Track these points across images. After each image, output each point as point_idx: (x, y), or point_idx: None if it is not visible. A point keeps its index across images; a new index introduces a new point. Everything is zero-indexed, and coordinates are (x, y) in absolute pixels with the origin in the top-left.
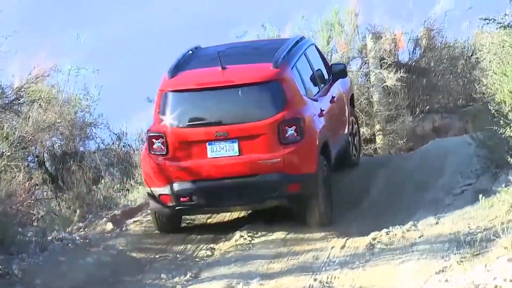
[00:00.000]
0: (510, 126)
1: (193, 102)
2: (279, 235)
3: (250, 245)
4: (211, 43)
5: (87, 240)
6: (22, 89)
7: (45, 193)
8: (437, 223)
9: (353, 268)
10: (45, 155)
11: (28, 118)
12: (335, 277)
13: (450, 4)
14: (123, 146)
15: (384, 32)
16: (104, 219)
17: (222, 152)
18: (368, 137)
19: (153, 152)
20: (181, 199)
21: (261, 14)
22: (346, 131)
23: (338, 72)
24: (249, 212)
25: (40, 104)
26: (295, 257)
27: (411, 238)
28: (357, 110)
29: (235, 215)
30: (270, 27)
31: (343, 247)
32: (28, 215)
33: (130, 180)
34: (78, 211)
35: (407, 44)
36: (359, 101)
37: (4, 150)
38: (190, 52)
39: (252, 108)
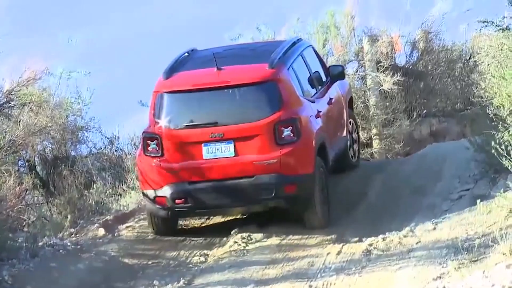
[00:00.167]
0: (509, 130)
1: (188, 103)
2: (274, 240)
3: (245, 251)
4: (208, 45)
5: (79, 246)
6: (13, 92)
7: (36, 198)
8: (434, 228)
9: (349, 274)
10: (36, 159)
11: (19, 121)
12: (331, 284)
13: (447, 6)
14: (115, 150)
15: (381, 35)
16: (96, 224)
17: (218, 153)
18: (364, 141)
19: (148, 154)
20: (177, 201)
21: (257, 16)
22: (344, 133)
23: (336, 74)
24: (243, 217)
25: (31, 108)
26: (290, 263)
27: (408, 244)
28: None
29: (229, 220)
30: (265, 30)
31: (339, 253)
32: (18, 221)
33: (122, 185)
34: (69, 216)
35: (404, 47)
36: (355, 105)
37: None
38: (186, 54)
39: (248, 109)
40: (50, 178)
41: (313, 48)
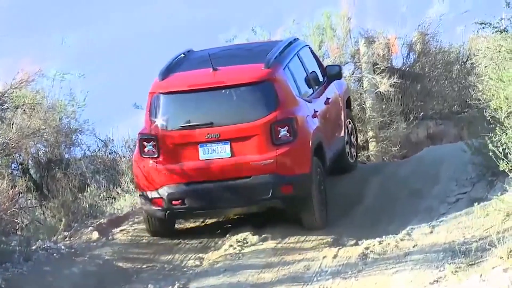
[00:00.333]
0: (506, 133)
1: (184, 103)
2: (269, 244)
3: (240, 254)
4: (207, 46)
5: (73, 250)
6: (6, 95)
7: (29, 201)
8: (431, 232)
9: (345, 278)
10: (30, 162)
11: (12, 124)
12: None
13: (444, 8)
14: (110, 153)
15: (377, 37)
16: (90, 228)
17: (214, 154)
18: (361, 144)
19: (144, 155)
20: (174, 202)
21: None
22: (342, 133)
23: (333, 74)
24: (238, 220)
25: (24, 110)
26: (286, 267)
27: (404, 248)
28: None
29: (224, 223)
30: (261, 31)
31: (335, 256)
32: (11, 224)
33: (116, 188)
34: (63, 219)
35: (401, 49)
36: (351, 107)
37: None
38: (182, 55)
39: (244, 109)
40: (43, 181)
41: (309, 48)
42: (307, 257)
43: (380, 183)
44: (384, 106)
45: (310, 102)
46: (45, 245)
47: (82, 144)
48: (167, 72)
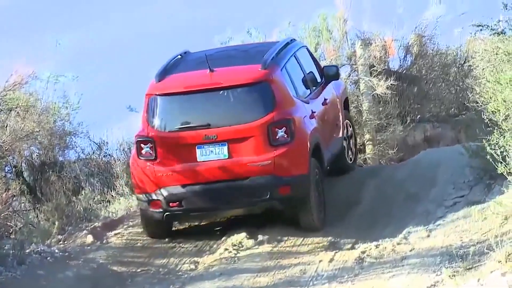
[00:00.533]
0: (504, 136)
1: (181, 105)
2: (265, 248)
3: (235, 258)
4: (205, 47)
5: (67, 253)
6: None
7: (23, 204)
8: (428, 236)
9: (341, 282)
10: (23, 165)
11: (6, 127)
12: None
13: (441, 10)
14: (104, 155)
15: (374, 39)
16: (84, 231)
17: (212, 155)
18: (357, 146)
19: (142, 158)
20: (171, 204)
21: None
22: (340, 134)
23: (330, 74)
24: (234, 223)
25: (18, 113)
26: (282, 271)
27: (401, 252)
28: None
29: (220, 226)
30: (256, 33)
31: (331, 260)
32: (5, 227)
33: (111, 191)
34: (57, 223)
35: (398, 51)
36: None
37: None
38: (179, 56)
39: (241, 110)
40: (37, 184)
41: (307, 48)
42: (303, 261)
43: (376, 186)
44: (381, 109)
45: (308, 103)
46: (39, 249)
47: (76, 147)
48: (163, 73)
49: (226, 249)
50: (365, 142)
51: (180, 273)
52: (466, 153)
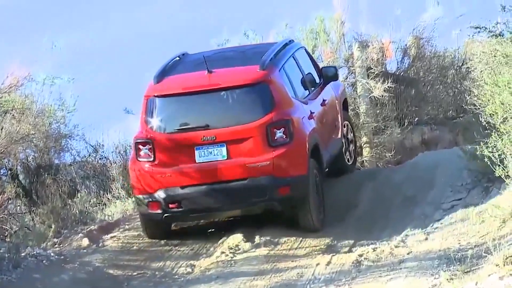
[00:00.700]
0: (502, 139)
1: (180, 106)
2: (262, 251)
3: (232, 261)
4: (202, 49)
5: (62, 257)
6: None
7: (18, 207)
8: (426, 239)
9: (339, 285)
10: (19, 168)
11: (1, 129)
12: None
13: (439, 12)
14: (100, 158)
15: (371, 41)
16: (80, 234)
17: (210, 156)
18: (357, 147)
19: (140, 159)
20: (170, 205)
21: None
22: (339, 135)
23: (329, 75)
24: (230, 226)
25: (13, 115)
26: (279, 274)
27: (399, 255)
28: None
29: (216, 229)
30: (253, 35)
31: (328, 263)
32: (0, 230)
33: (107, 194)
34: (53, 226)
35: (395, 53)
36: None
37: None
38: (177, 58)
39: (239, 111)
40: (33, 187)
41: (305, 49)
42: (300, 264)
43: (374, 189)
44: (378, 111)
45: (306, 104)
46: (35, 252)
47: (72, 150)
48: (162, 75)
49: (222, 252)
50: (362, 144)
51: (176, 276)
52: (464, 156)
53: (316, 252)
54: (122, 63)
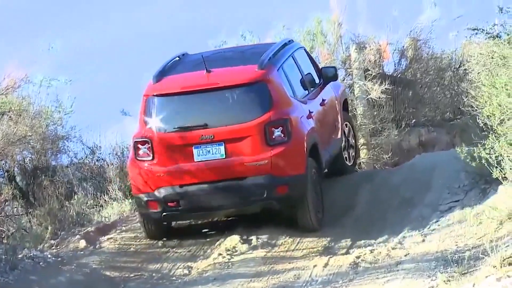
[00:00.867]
0: (499, 140)
1: (178, 105)
2: (259, 253)
3: (229, 263)
4: (200, 49)
5: (59, 258)
6: None
7: (15, 209)
8: (423, 240)
9: (336, 287)
10: (16, 169)
11: None
12: None
13: (436, 13)
14: (97, 160)
15: (369, 43)
16: (77, 236)
17: (209, 155)
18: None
19: (139, 158)
20: (169, 204)
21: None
22: (339, 135)
23: (329, 76)
24: (227, 228)
25: (10, 117)
26: (276, 276)
27: (396, 256)
28: None
29: (213, 231)
30: (250, 37)
31: (325, 265)
32: None
33: (104, 196)
34: (50, 228)
35: (393, 55)
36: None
37: None
38: (177, 58)
39: (237, 110)
40: (30, 189)
41: (305, 49)
42: (297, 266)
43: (371, 191)
44: (375, 113)
45: (305, 103)
46: (31, 254)
47: (69, 151)
48: (161, 75)
49: (220, 254)
50: (360, 146)
51: (173, 278)
52: (461, 157)
53: (313, 254)
54: (121, 63)
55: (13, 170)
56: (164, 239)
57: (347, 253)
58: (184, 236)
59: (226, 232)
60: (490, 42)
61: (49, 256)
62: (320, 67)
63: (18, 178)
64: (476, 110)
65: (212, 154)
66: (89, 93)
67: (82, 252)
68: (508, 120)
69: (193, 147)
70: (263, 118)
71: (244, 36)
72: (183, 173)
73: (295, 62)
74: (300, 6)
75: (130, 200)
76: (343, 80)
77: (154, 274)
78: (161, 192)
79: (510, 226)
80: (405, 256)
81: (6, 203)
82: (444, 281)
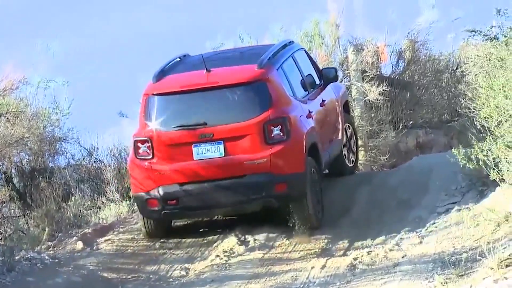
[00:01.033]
0: (497, 142)
1: (178, 104)
2: (256, 254)
3: (227, 265)
4: (199, 49)
5: (57, 260)
6: None
7: (12, 210)
8: (420, 242)
9: None
10: (13, 171)
11: None
12: None
13: (434, 15)
14: (94, 161)
15: (366, 44)
16: (74, 237)
17: (208, 154)
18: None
19: (139, 157)
20: (169, 202)
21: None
22: (339, 136)
23: (329, 77)
24: (225, 229)
25: (7, 118)
26: (273, 278)
27: (394, 258)
28: None
29: (211, 232)
30: (248, 38)
31: (323, 267)
32: None
33: (101, 197)
34: (47, 229)
35: (390, 57)
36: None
37: None
38: (178, 59)
39: (237, 109)
40: (27, 190)
41: (305, 51)
42: (295, 268)
43: (369, 193)
44: (373, 115)
45: (305, 103)
46: (29, 255)
47: (66, 153)
48: (161, 74)
49: (217, 256)
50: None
51: (171, 279)
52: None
53: (311, 256)
54: (120, 64)
55: (10, 171)
56: (162, 240)
57: (344, 254)
58: (181, 238)
59: (224, 234)
60: (488, 44)
61: (46, 257)
62: (321, 68)
63: (15, 180)
64: (473, 112)
65: (212, 152)
66: (87, 95)
67: (79, 254)
68: (505, 122)
69: (192, 146)
70: (262, 117)
71: (242, 37)
72: (182, 172)
73: (295, 63)
74: (298, 8)
75: (127, 202)
76: (341, 81)
77: (151, 276)
78: (160, 191)
79: (507, 228)
80: (402, 257)
81: (3, 205)
82: (442, 283)
